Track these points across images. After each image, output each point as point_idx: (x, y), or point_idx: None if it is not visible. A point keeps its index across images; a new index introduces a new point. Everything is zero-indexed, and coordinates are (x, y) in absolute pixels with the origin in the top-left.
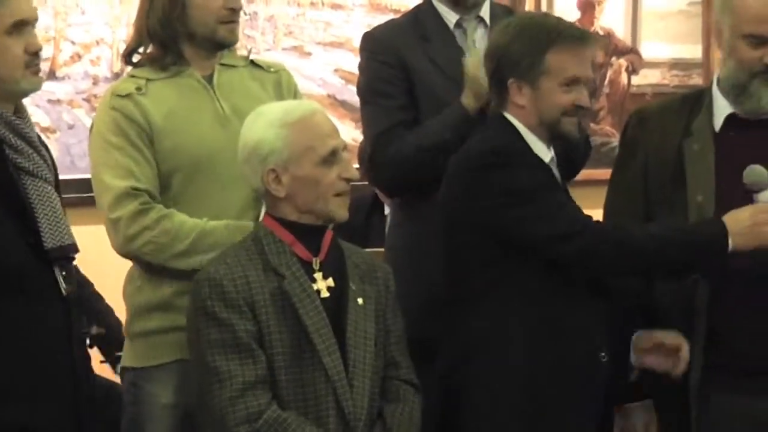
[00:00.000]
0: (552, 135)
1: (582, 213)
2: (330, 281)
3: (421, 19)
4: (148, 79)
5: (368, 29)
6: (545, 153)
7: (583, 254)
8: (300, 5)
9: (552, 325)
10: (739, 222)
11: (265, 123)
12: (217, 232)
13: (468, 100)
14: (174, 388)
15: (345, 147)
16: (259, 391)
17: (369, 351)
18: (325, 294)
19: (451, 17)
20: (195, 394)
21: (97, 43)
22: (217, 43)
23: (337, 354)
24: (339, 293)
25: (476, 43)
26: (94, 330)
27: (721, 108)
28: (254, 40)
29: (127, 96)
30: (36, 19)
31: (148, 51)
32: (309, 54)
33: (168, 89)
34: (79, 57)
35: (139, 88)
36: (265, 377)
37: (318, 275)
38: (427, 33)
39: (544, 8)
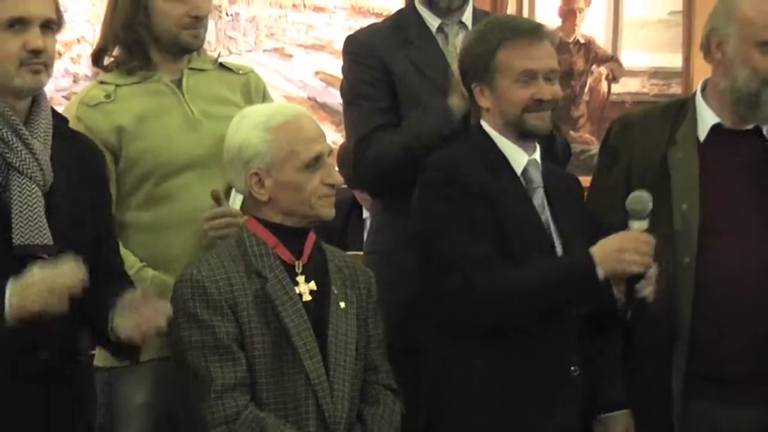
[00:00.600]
0: (519, 133)
1: (481, 256)
2: (312, 284)
3: (404, 24)
4: (117, 85)
5: (350, 32)
6: (520, 157)
7: (464, 307)
8: (282, 7)
9: (520, 342)
10: (605, 250)
11: (248, 126)
12: (141, 285)
13: (455, 101)
14: (149, 388)
15: (330, 152)
16: (237, 393)
17: (350, 354)
18: (307, 297)
19: (433, 21)
20: (173, 393)
21: (78, 41)
22: (182, 47)
23: (318, 357)
24: (321, 296)
25: (457, 48)
26: None
27: (706, 118)
28: (236, 41)
29: (95, 106)
30: (46, 20)
31: (115, 54)
32: (290, 56)
33: (137, 94)
34: (60, 54)
35: (108, 95)
36: (244, 379)
37: (300, 278)
38: (410, 37)
39: (525, 15)
